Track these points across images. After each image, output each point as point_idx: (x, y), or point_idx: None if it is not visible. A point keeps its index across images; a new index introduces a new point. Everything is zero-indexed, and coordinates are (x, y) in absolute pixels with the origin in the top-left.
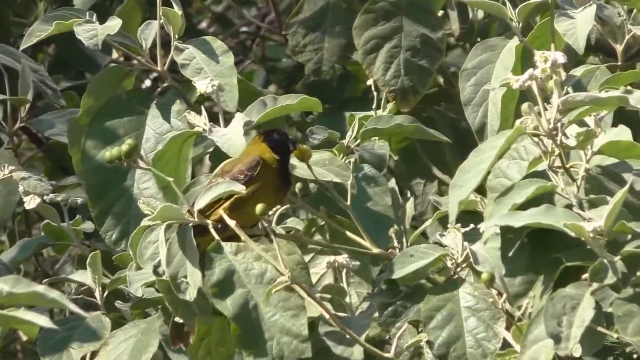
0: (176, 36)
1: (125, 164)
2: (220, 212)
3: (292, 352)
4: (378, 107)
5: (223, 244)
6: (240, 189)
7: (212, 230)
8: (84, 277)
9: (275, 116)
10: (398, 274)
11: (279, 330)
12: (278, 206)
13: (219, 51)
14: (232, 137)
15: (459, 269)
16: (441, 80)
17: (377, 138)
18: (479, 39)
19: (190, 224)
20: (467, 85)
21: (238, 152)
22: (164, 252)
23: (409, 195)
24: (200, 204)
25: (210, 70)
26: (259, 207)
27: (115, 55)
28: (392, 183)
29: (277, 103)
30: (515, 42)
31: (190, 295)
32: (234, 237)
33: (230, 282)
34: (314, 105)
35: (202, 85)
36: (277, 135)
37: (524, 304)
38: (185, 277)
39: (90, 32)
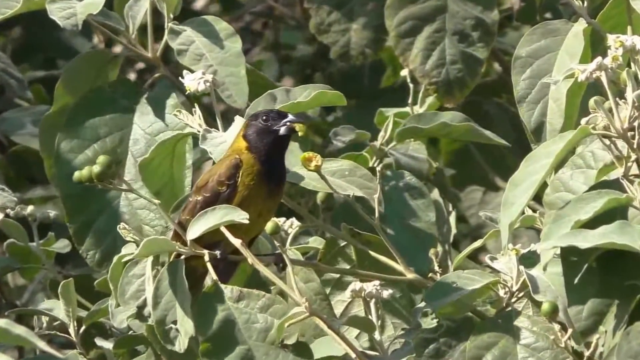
0: (171, 16)
1: (99, 185)
2: (223, 230)
3: None
4: (415, 102)
5: (223, 287)
6: (243, 217)
7: (209, 267)
8: (56, 308)
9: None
10: (437, 304)
11: None
12: (293, 222)
13: (224, 34)
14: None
15: (514, 299)
16: (497, 67)
17: (411, 140)
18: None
19: (183, 257)
20: (522, 78)
21: None
22: (151, 290)
23: (450, 208)
24: (193, 233)
25: (212, 57)
26: (269, 225)
27: (96, 40)
28: (435, 194)
29: (289, 97)
30: (582, 24)
31: (181, 345)
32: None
33: (228, 337)
34: (336, 99)
35: (192, 82)
36: (262, 120)
37: (593, 340)
38: (175, 322)
39: (67, 11)
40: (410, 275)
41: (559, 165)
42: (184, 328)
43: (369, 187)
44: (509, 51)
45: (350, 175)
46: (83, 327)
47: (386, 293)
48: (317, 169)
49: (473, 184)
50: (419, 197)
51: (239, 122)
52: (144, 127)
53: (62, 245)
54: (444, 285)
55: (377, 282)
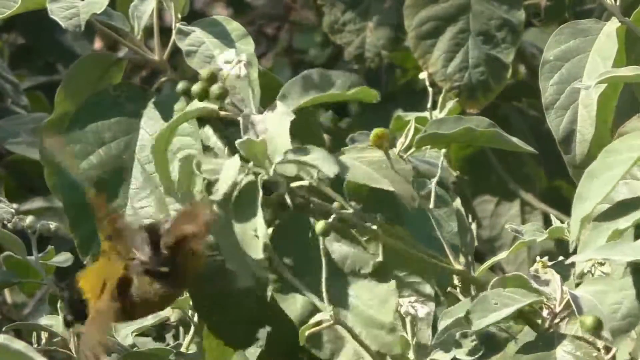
0: (179, 16)
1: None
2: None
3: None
4: (434, 107)
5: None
6: None
7: None
8: (56, 324)
9: (321, 102)
10: (478, 324)
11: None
12: None
13: (235, 35)
14: (274, 132)
15: (556, 320)
16: (522, 69)
17: (428, 147)
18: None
19: None
20: (550, 84)
21: (281, 150)
22: None
23: (470, 218)
24: None
25: None
26: (319, 226)
27: (97, 45)
28: (457, 203)
29: (325, 80)
30: (615, 24)
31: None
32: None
33: None
34: (370, 96)
35: (226, 64)
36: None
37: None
38: None
39: (70, 11)
40: (457, 266)
41: None
42: None
43: (405, 184)
44: (532, 51)
45: (387, 168)
46: None
47: (423, 311)
48: (387, 152)
49: (487, 194)
50: (441, 205)
51: (280, 108)
52: (152, 132)
53: (62, 259)
54: (484, 303)
55: (412, 298)
